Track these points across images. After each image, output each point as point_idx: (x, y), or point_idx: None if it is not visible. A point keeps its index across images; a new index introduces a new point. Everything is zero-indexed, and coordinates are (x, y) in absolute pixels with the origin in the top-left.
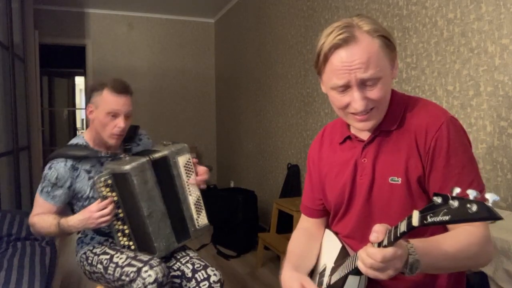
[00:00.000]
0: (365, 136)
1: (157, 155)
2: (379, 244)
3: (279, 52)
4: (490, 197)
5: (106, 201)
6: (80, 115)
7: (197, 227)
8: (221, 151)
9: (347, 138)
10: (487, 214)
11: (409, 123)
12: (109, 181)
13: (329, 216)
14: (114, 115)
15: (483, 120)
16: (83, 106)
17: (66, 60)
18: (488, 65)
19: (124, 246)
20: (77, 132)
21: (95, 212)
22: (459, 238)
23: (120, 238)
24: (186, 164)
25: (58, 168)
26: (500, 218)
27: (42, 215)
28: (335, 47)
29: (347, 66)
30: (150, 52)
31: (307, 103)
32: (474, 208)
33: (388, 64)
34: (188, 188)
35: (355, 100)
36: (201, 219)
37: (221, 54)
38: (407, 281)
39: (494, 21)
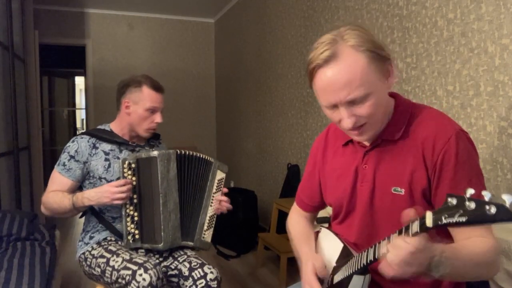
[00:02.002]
0: (367, 142)
1: (202, 156)
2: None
3: (279, 52)
4: (507, 198)
5: (127, 180)
6: (80, 115)
7: (202, 238)
8: (221, 151)
9: (350, 142)
10: (507, 216)
11: (415, 133)
12: (133, 165)
13: (321, 209)
14: (153, 111)
15: (483, 120)
16: (83, 106)
17: (66, 60)
18: (488, 65)
19: (129, 233)
20: (77, 132)
21: (114, 187)
22: (476, 248)
23: (128, 224)
24: (220, 180)
25: (80, 142)
26: None
27: (57, 192)
28: (317, 66)
29: (330, 87)
30: (150, 52)
31: (307, 103)
32: (493, 210)
33: (378, 78)
34: (212, 201)
35: (343, 118)
36: (207, 234)
37: (221, 54)
38: (410, 284)
39: (494, 21)
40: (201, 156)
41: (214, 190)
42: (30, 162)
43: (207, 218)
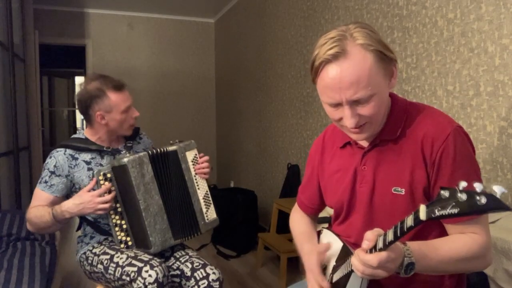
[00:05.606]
0: (365, 143)
1: (163, 149)
2: (374, 249)
3: (279, 52)
4: (497, 189)
5: (106, 188)
6: (80, 115)
7: (206, 220)
8: (221, 151)
9: (347, 144)
10: (497, 205)
11: (413, 132)
12: (109, 175)
13: (321, 211)
14: (128, 110)
15: (483, 120)
16: None
17: (66, 60)
18: (488, 65)
19: (121, 242)
20: (77, 132)
21: (96, 197)
22: (458, 244)
23: (118, 233)
24: (193, 158)
25: (57, 156)
26: (510, 210)
27: (38, 206)
28: (325, 62)
29: (336, 84)
30: (150, 52)
31: (307, 103)
32: (483, 200)
33: (383, 79)
34: (197, 183)
35: (346, 117)
36: (210, 213)
37: (221, 54)
38: (410, 281)
39: (494, 21)
40: (171, 148)
41: (193, 173)
42: (30, 162)
43: (202, 201)
